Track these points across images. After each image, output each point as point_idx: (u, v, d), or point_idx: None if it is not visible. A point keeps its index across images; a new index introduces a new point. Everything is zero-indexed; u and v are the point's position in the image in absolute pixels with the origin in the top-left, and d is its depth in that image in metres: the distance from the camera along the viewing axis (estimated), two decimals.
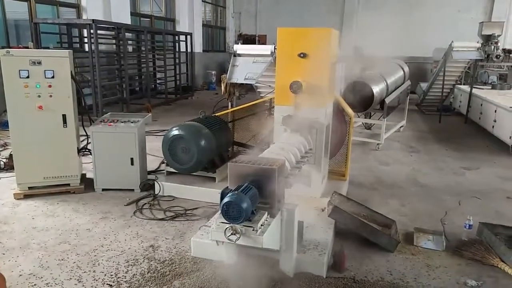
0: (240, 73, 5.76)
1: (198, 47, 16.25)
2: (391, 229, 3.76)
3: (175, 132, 4.41)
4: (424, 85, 11.78)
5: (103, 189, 4.70)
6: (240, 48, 6.09)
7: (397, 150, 7.20)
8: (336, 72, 8.28)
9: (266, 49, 5.91)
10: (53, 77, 4.30)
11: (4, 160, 5.42)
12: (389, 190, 5.03)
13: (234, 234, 2.41)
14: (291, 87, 3.80)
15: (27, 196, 4.45)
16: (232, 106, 5.95)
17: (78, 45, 10.75)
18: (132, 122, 4.71)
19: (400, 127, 8.71)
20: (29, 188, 4.51)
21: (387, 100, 6.98)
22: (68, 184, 4.64)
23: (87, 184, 4.77)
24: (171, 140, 4.41)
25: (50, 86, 4.30)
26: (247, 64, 5.84)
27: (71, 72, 4.41)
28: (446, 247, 3.52)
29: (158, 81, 12.93)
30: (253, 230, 2.43)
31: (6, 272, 3.02)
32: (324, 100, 3.99)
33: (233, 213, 2.37)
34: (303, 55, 3.92)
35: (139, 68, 11.68)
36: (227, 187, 2.62)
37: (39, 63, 4.23)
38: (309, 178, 4.24)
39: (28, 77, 4.21)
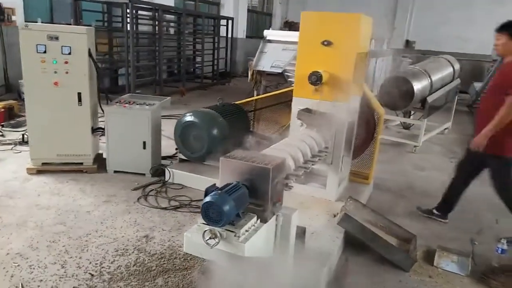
0: (267, 60, 5.42)
1: (241, 33, 15.99)
2: (410, 244, 3.34)
3: (188, 118, 4.21)
4: (478, 85, 10.80)
5: (115, 171, 4.62)
6: (270, 33, 5.73)
7: (437, 154, 6.59)
8: (377, 65, 7.71)
9: (297, 35, 5.49)
10: (70, 53, 4.22)
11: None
12: (419, 199, 4.54)
13: (213, 238, 2.16)
14: (310, 78, 3.45)
15: (40, 172, 4.45)
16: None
17: (120, 25, 10.84)
18: (147, 105, 4.56)
19: (445, 129, 8.01)
20: (43, 164, 4.51)
21: (429, 99, 6.37)
22: (82, 163, 4.59)
23: (101, 164, 4.70)
24: (183, 126, 4.22)
25: (66, 62, 4.23)
26: (276, 51, 5.48)
27: (88, 49, 4.31)
28: (472, 271, 3.06)
29: (196, 65, 12.85)
30: (235, 235, 2.15)
31: None
32: (347, 94, 3.60)
33: (213, 215, 2.11)
34: (327, 43, 3.55)
35: (178, 51, 11.63)
36: (214, 184, 2.36)
37: (57, 38, 4.16)
38: (325, 179, 3.90)
39: (45, 52, 4.16)
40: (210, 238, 2.15)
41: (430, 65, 6.99)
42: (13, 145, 5.28)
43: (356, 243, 3.26)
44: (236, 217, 2.22)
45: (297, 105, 3.74)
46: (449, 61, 7.59)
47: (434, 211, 4.08)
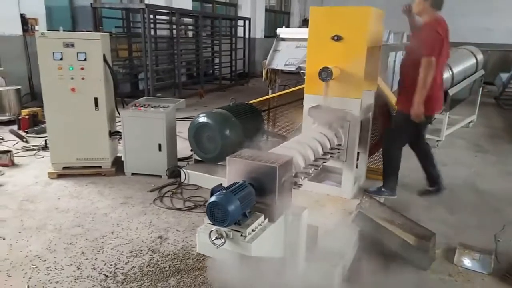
0: (281, 58, 5.39)
1: (259, 33, 16.00)
2: (429, 242, 3.23)
3: (201, 119, 4.23)
4: (504, 76, 10.38)
5: (132, 173, 4.69)
6: (284, 31, 5.71)
7: (460, 148, 6.37)
8: (397, 59, 7.52)
9: None
10: (85, 59, 4.31)
11: None
12: (439, 195, 4.39)
13: (220, 238, 2.15)
14: (320, 74, 3.39)
15: (60, 176, 4.57)
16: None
17: (140, 30, 11.01)
18: (162, 108, 4.61)
19: (469, 122, 7.74)
20: (64, 168, 4.63)
21: (451, 92, 6.16)
22: (100, 166, 4.69)
23: (120, 167, 4.78)
24: (196, 127, 4.24)
25: (82, 68, 4.33)
26: (289, 49, 5.45)
27: (103, 55, 4.40)
28: (494, 269, 2.93)
29: (215, 67, 12.93)
30: (241, 235, 2.14)
31: (15, 251, 3.07)
32: (359, 90, 3.53)
33: (218, 215, 2.11)
34: (337, 38, 3.49)
35: (196, 53, 11.73)
36: (220, 184, 2.35)
37: (72, 45, 4.26)
38: (339, 177, 3.83)
39: (61, 59, 4.27)
40: (216, 238, 2.15)
41: (451, 57, 6.76)
42: (36, 151, 5.45)
43: (372, 241, 3.18)
44: (243, 217, 2.20)
45: (308, 102, 3.70)
46: (471, 51, 7.32)
47: (429, 188, 4.20)
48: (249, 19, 13.17)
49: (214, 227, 2.16)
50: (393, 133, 4.03)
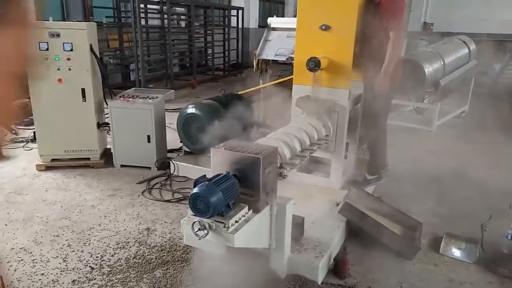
0: (272, 48, 5.35)
1: (253, 23, 15.84)
2: (415, 232, 3.24)
3: (190, 110, 4.20)
4: (498, 66, 10.38)
5: (121, 165, 4.67)
6: (275, 21, 5.65)
7: (452, 139, 6.37)
8: None
9: None
10: (71, 49, 4.25)
11: None
12: (429, 185, 4.40)
13: (202, 230, 2.14)
14: (308, 64, 3.37)
15: (48, 168, 4.54)
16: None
17: (131, 20, 10.85)
18: (150, 99, 4.57)
19: (461, 112, 7.75)
20: (52, 160, 4.59)
21: (442, 82, 6.15)
22: (89, 158, 4.65)
23: (108, 159, 4.75)
24: (185, 118, 4.21)
25: (69, 59, 4.27)
26: (280, 38, 5.40)
27: (90, 45, 4.33)
28: (479, 259, 2.95)
29: (208, 57, 12.83)
30: (224, 226, 2.13)
31: (1, 243, 3.06)
32: (347, 80, 3.50)
33: (200, 206, 2.09)
34: (325, 28, 3.45)
35: (189, 43, 11.62)
36: (204, 175, 2.33)
37: (58, 35, 4.20)
38: (329, 168, 3.83)
39: (47, 49, 4.20)
40: (199, 229, 2.14)
41: (443, 47, 6.75)
42: (25, 143, 5.40)
43: (359, 231, 3.19)
44: (226, 208, 2.19)
45: (297, 92, 3.67)
46: (464, 41, 7.30)
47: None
48: (242, 8, 13.05)
49: (197, 219, 2.15)
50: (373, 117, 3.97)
